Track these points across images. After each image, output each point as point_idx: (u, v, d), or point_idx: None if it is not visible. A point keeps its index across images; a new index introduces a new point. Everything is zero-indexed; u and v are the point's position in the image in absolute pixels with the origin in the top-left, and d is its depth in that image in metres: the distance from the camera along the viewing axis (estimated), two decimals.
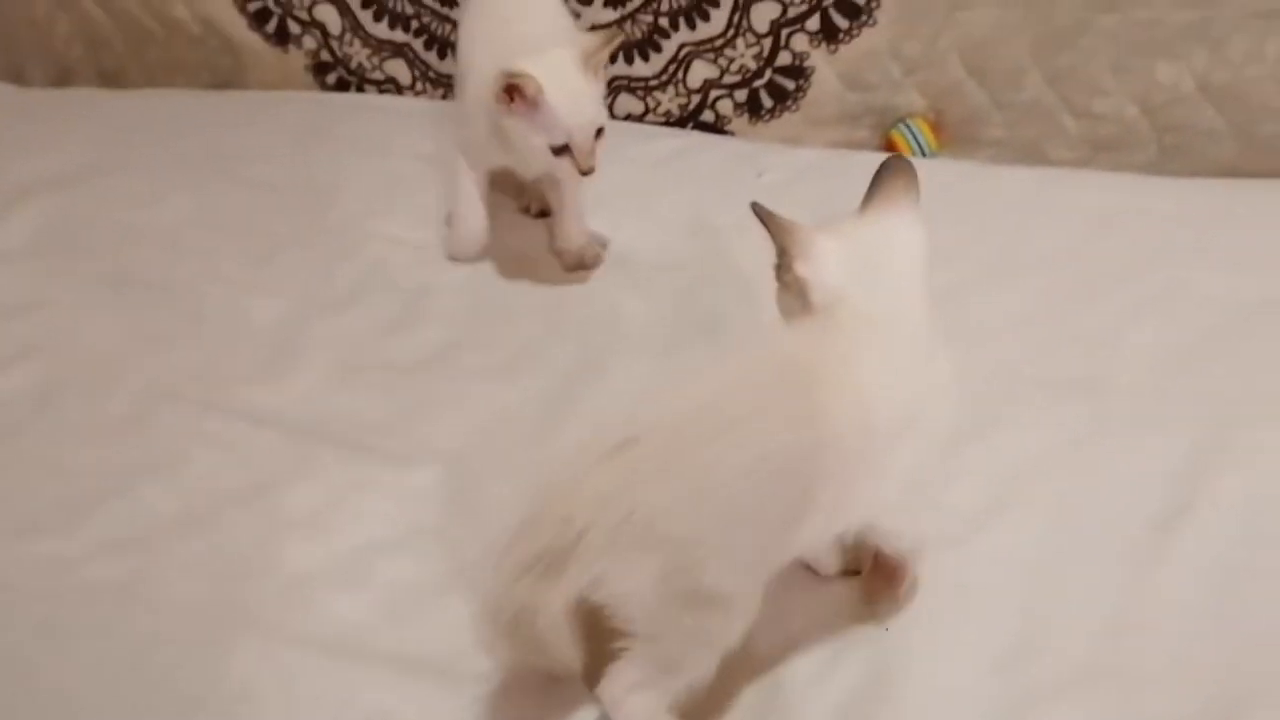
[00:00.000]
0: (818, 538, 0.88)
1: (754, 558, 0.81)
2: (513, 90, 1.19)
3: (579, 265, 1.38)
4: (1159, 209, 1.41)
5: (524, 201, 1.48)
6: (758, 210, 0.87)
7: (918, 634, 0.92)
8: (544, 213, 1.46)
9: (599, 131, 1.23)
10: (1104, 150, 1.55)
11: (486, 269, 1.39)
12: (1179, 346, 1.19)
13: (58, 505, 1.06)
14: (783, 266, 0.87)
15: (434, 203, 1.51)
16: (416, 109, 1.75)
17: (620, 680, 0.81)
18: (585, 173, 1.23)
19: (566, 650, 0.81)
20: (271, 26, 1.81)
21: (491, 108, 1.23)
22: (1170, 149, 1.52)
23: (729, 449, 0.78)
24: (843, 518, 0.86)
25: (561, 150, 1.22)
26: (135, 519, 1.04)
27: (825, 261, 0.86)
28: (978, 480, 1.05)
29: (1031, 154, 1.57)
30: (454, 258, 1.38)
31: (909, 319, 0.88)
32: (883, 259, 0.89)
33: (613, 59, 1.32)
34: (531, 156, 1.25)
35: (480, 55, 1.31)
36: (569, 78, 1.21)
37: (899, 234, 0.91)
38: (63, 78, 1.98)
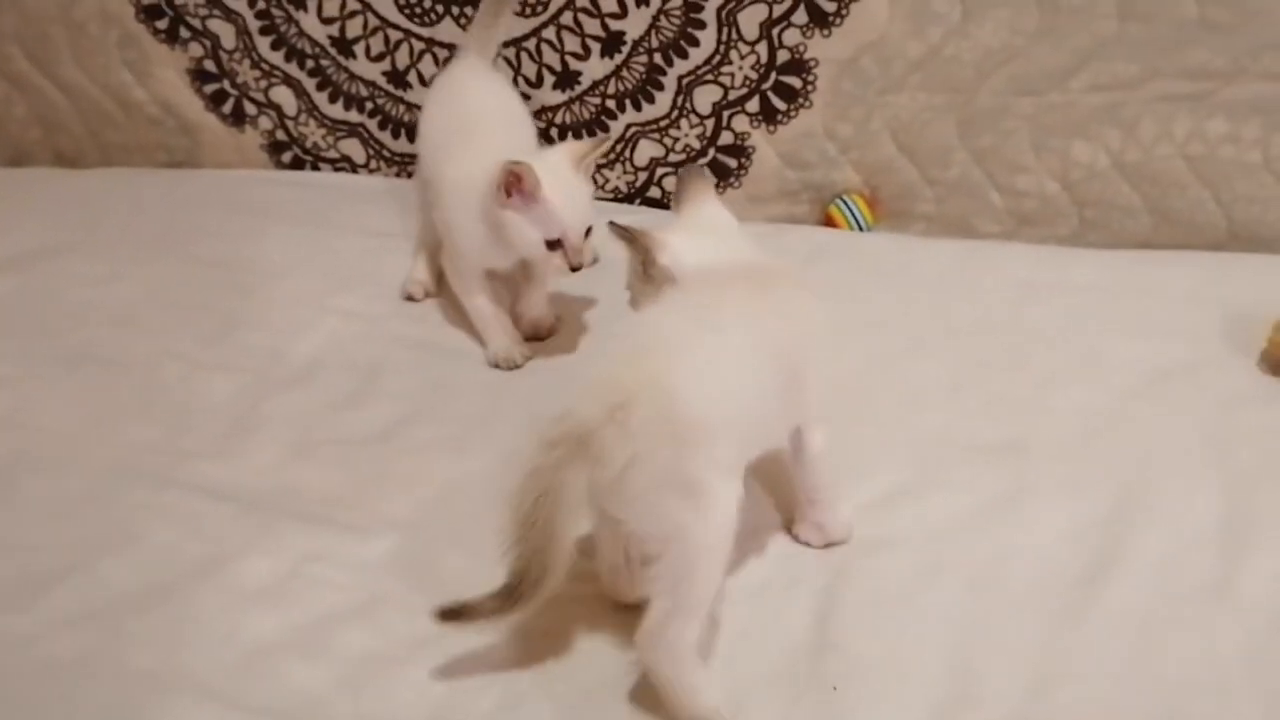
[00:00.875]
0: (779, 430, 1.05)
1: (736, 449, 0.95)
2: (512, 183, 1.24)
3: (534, 334, 1.43)
4: (1078, 280, 1.48)
5: None
6: (616, 229, 1.07)
7: (856, 688, 0.96)
8: None
9: (588, 230, 1.29)
10: (1028, 224, 1.63)
11: (437, 345, 1.43)
12: (1097, 411, 1.25)
13: (16, 582, 1.07)
14: (647, 266, 1.06)
15: (387, 278, 1.56)
16: (370, 187, 1.80)
17: (650, 616, 0.91)
18: (575, 269, 1.29)
19: (568, 544, 0.89)
20: (228, 107, 1.86)
21: (485, 204, 1.28)
22: (1090, 222, 1.61)
23: (732, 334, 0.96)
24: (792, 414, 1.04)
25: (554, 245, 1.27)
26: (93, 594, 1.06)
27: (679, 252, 1.06)
28: (910, 542, 1.09)
29: (961, 227, 1.66)
30: (499, 368, 1.39)
31: (759, 264, 1.08)
32: (714, 238, 1.10)
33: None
34: (524, 249, 1.30)
35: (452, 169, 1.36)
36: (564, 176, 1.27)
37: (713, 219, 1.13)
38: (18, 159, 2.01)
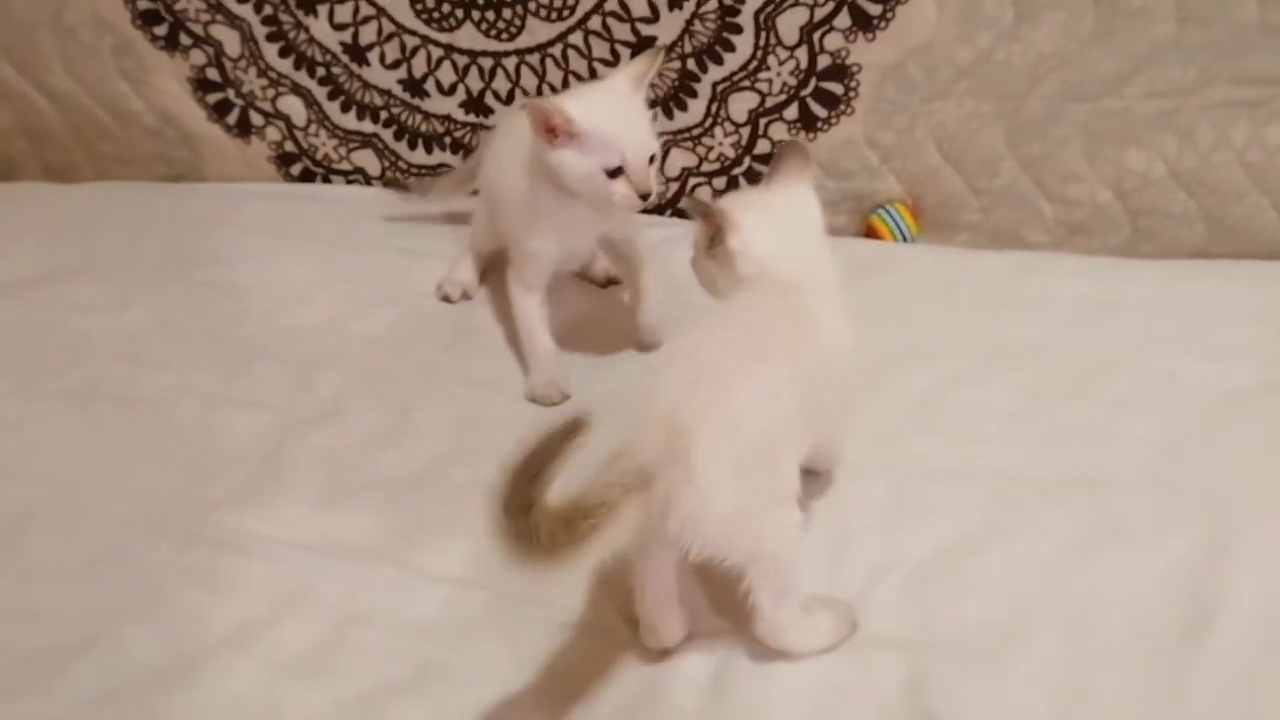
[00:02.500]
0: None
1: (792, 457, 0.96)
2: (542, 122, 1.18)
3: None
4: (1137, 295, 1.41)
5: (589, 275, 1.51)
6: (693, 206, 1.07)
7: None
8: (611, 280, 1.48)
9: (651, 159, 1.22)
10: (1079, 233, 1.57)
11: (471, 375, 1.35)
12: (1174, 440, 1.18)
13: (33, 657, 0.99)
14: (714, 243, 1.02)
15: (412, 298, 1.48)
16: (387, 200, 1.72)
17: (762, 613, 0.95)
18: (644, 196, 1.21)
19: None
20: (233, 118, 1.77)
21: (536, 158, 1.23)
22: (1143, 232, 1.55)
23: (771, 369, 0.94)
24: (818, 429, 1.02)
25: (616, 174, 1.20)
26: (119, 669, 0.97)
27: (751, 237, 1.02)
28: (994, 594, 1.03)
29: (1008, 237, 1.59)
30: (536, 403, 1.32)
31: (819, 279, 1.05)
32: (790, 229, 1.06)
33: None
34: (586, 186, 1.21)
35: (509, 171, 1.32)
36: (616, 101, 1.21)
37: (800, 208, 1.08)
38: (4, 171, 1.91)
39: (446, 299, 1.48)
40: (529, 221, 1.30)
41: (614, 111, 1.20)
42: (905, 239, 1.58)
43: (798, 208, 1.08)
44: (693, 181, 1.64)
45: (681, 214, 1.66)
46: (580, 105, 1.19)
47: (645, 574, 0.96)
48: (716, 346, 0.93)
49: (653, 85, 1.31)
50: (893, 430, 1.23)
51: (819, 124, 1.56)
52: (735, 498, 0.88)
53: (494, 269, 1.52)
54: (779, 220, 1.05)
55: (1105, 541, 1.07)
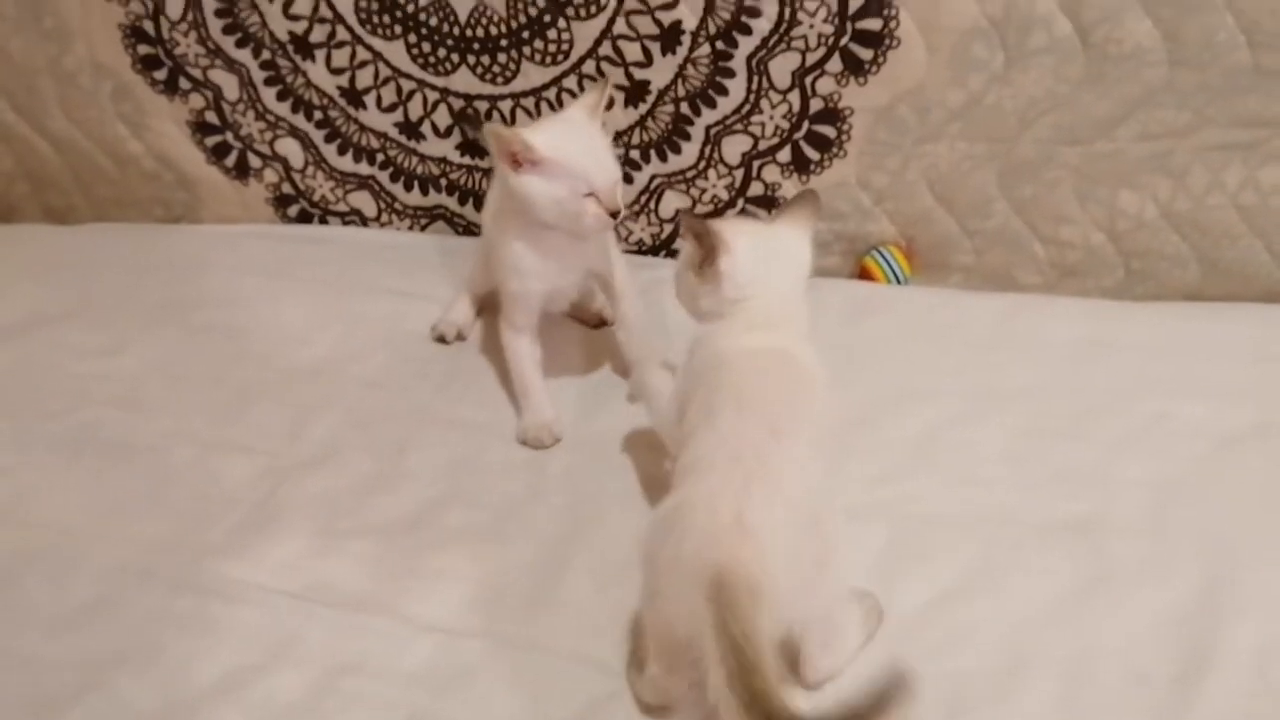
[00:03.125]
0: None
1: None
2: (504, 149, 1.21)
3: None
4: (1132, 337, 1.42)
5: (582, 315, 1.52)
6: (687, 220, 1.05)
7: None
8: (603, 321, 1.48)
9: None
10: (1072, 275, 1.57)
11: (464, 418, 1.35)
12: (1169, 482, 1.19)
13: (27, 705, 0.98)
14: (705, 262, 1.04)
15: (407, 341, 1.48)
16: (383, 241, 1.73)
17: (811, 661, 0.96)
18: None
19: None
20: (231, 160, 1.78)
21: (508, 186, 1.25)
22: (1137, 274, 1.55)
23: (800, 443, 0.96)
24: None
25: (586, 199, 1.23)
26: (111, 718, 0.96)
27: (741, 259, 1.04)
28: (990, 638, 1.02)
29: (1001, 278, 1.59)
30: (527, 445, 1.32)
31: (795, 316, 1.08)
32: (779, 265, 1.08)
33: (609, 106, 1.37)
34: (554, 211, 1.24)
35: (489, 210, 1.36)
36: (576, 129, 1.25)
37: (793, 247, 1.10)
38: (5, 214, 1.92)
39: (441, 339, 1.48)
40: (508, 262, 1.32)
41: (575, 138, 1.24)
42: (899, 280, 1.59)
43: (790, 245, 1.10)
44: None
45: (674, 254, 1.67)
46: (541, 134, 1.23)
47: (666, 646, 0.95)
48: (751, 439, 0.94)
49: (644, 127, 1.34)
50: (888, 472, 1.23)
51: (812, 166, 1.57)
52: (800, 573, 0.89)
53: (489, 309, 1.53)
54: (770, 252, 1.08)
55: (1101, 586, 1.07)
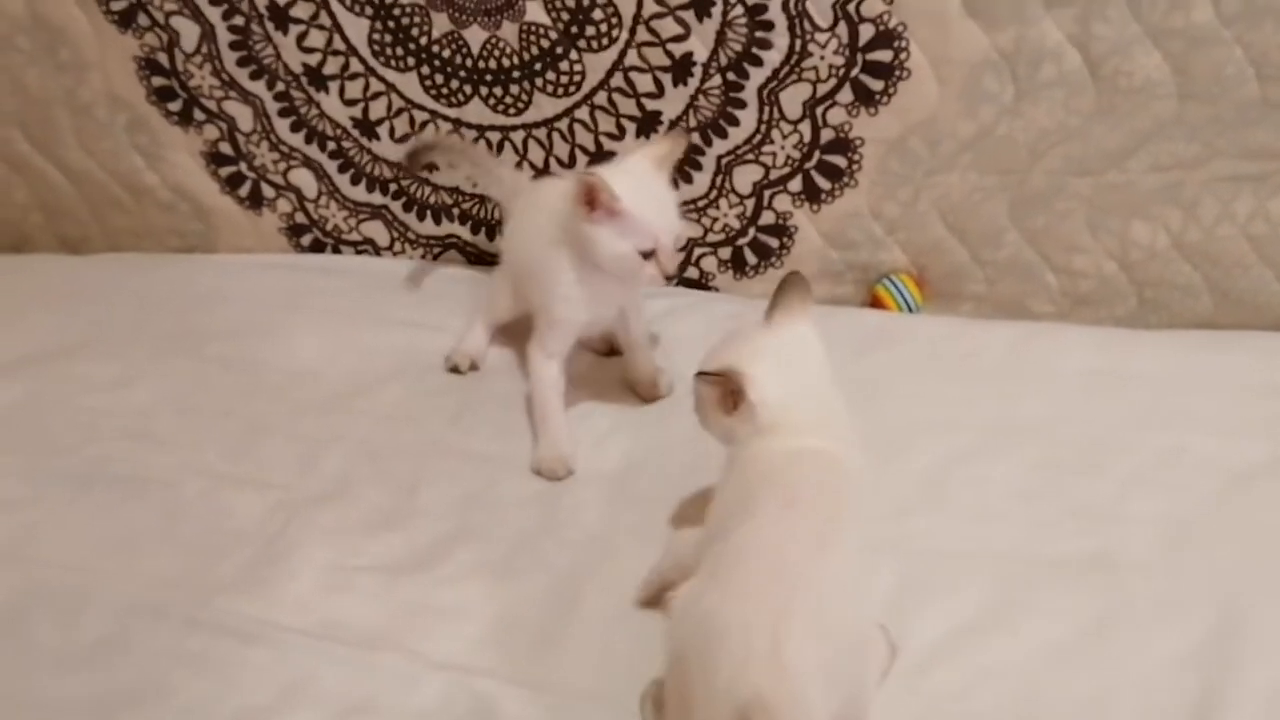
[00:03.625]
0: None
1: None
2: (589, 196, 1.21)
3: (653, 394, 1.41)
4: (1144, 368, 1.41)
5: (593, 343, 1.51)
6: (712, 373, 1.01)
7: None
8: (614, 350, 1.48)
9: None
10: (1084, 304, 1.57)
11: (477, 452, 1.35)
12: (1184, 519, 1.17)
13: None
14: (737, 403, 1.01)
15: (420, 373, 1.49)
16: (396, 271, 1.73)
17: None
18: (669, 278, 1.25)
19: None
20: (245, 190, 1.79)
21: (571, 225, 1.25)
22: (1149, 303, 1.55)
23: (842, 551, 0.92)
24: None
25: (647, 255, 1.23)
26: None
27: (766, 384, 1.01)
28: (1004, 677, 1.01)
29: (1013, 308, 1.59)
30: (540, 476, 1.31)
31: (834, 416, 1.04)
32: (800, 372, 1.05)
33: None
34: (615, 264, 1.25)
35: (542, 245, 1.34)
36: (648, 183, 1.24)
37: (805, 348, 1.07)
38: (20, 244, 1.94)
39: (455, 370, 1.49)
40: (558, 290, 1.32)
41: (650, 195, 1.24)
42: (910, 309, 1.59)
43: (803, 348, 1.07)
44: (698, 251, 1.65)
45: (688, 283, 1.67)
46: (624, 184, 1.22)
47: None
48: (794, 550, 0.89)
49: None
50: (899, 507, 1.22)
51: (823, 195, 1.57)
52: (834, 707, 0.85)
53: (502, 338, 1.53)
54: (788, 363, 1.05)
55: (1114, 626, 1.06)
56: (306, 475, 1.30)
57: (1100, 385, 1.39)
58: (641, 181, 1.24)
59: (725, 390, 1.01)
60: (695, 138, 1.57)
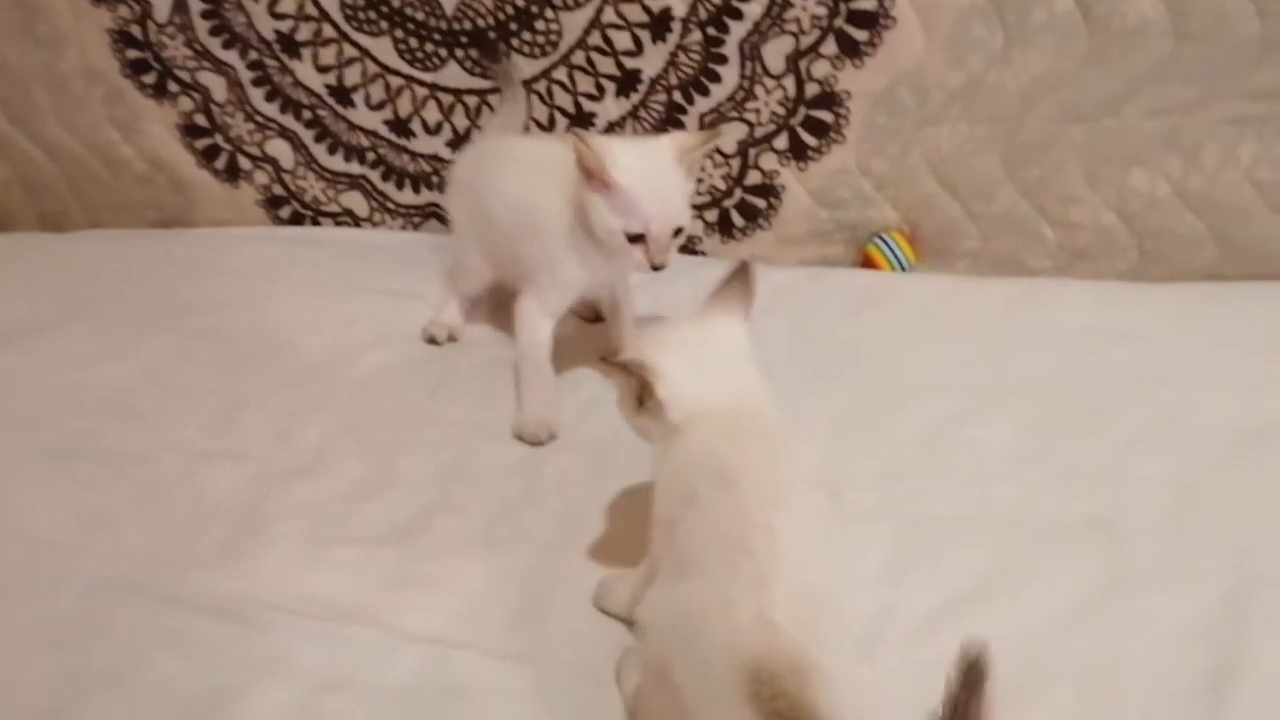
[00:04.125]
0: None
1: None
2: (585, 164, 1.17)
3: None
4: (1146, 323, 1.37)
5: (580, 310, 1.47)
6: (617, 362, 0.94)
7: None
8: (599, 317, 1.44)
9: (678, 230, 1.20)
10: (1083, 258, 1.52)
11: (457, 420, 1.31)
12: (1190, 479, 1.13)
13: None
14: (644, 398, 0.94)
15: (401, 342, 1.46)
16: (376, 242, 1.70)
17: None
18: (657, 268, 1.21)
19: None
20: (221, 163, 1.75)
21: (580, 195, 1.21)
22: (1151, 255, 1.50)
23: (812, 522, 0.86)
24: None
25: (636, 239, 1.19)
26: None
27: (677, 381, 0.93)
28: (1005, 646, 0.96)
29: (1009, 264, 1.55)
30: (523, 440, 1.28)
31: (760, 409, 0.95)
32: (718, 366, 0.96)
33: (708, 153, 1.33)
34: (604, 237, 1.21)
35: (549, 196, 1.28)
36: (658, 168, 1.19)
37: (726, 341, 0.98)
38: (1, 223, 1.91)
39: (433, 341, 1.45)
40: (567, 247, 1.27)
41: (653, 179, 1.19)
42: (903, 268, 1.55)
43: (725, 338, 0.98)
44: None
45: (682, 249, 1.63)
46: (623, 159, 1.18)
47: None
48: (750, 522, 0.82)
49: (636, 117, 1.29)
50: (893, 470, 1.18)
51: (810, 153, 1.53)
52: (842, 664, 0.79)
53: (479, 309, 1.49)
54: (704, 357, 0.96)
55: (1119, 591, 1.02)
56: (284, 448, 1.28)
57: (1100, 342, 1.35)
58: (650, 164, 1.19)
59: (638, 383, 0.93)
60: (677, 96, 1.52)
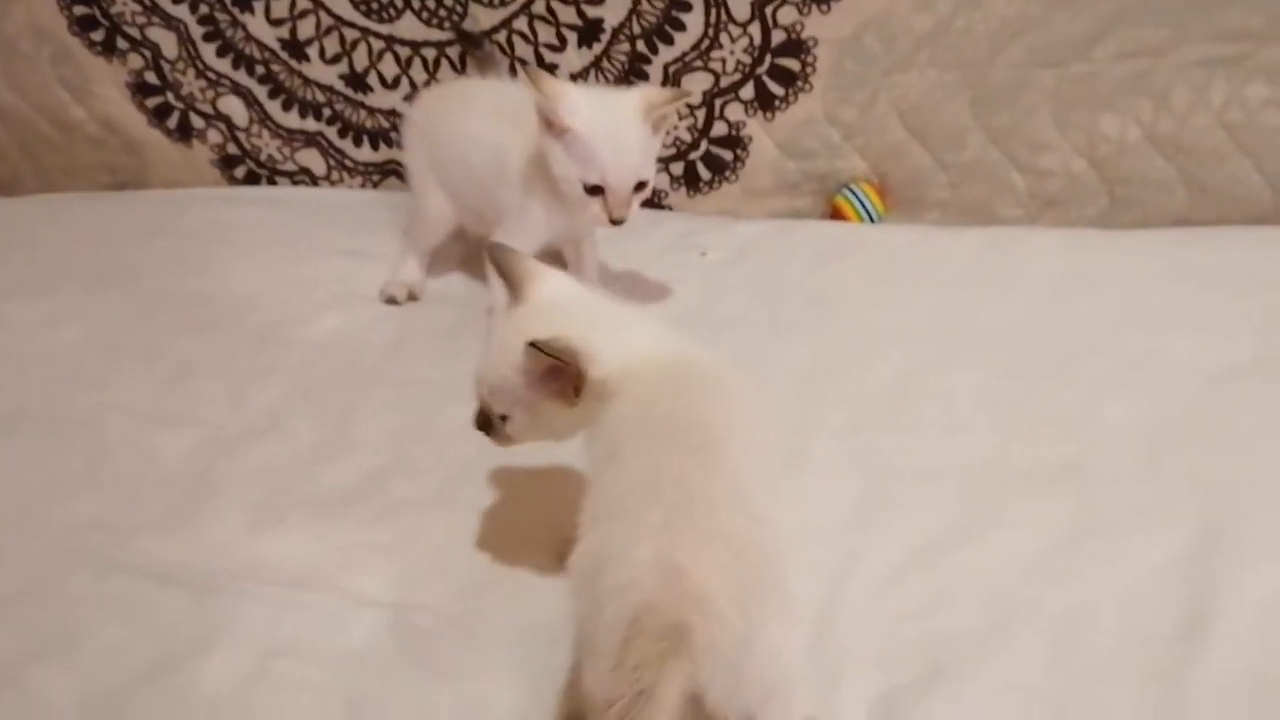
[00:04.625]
0: None
1: None
2: (539, 105, 1.14)
3: None
4: (1118, 268, 1.36)
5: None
6: (541, 348, 0.83)
7: None
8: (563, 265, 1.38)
9: (640, 185, 1.17)
10: (1053, 206, 1.50)
11: (416, 379, 1.28)
12: (1162, 423, 1.11)
13: None
14: (579, 387, 0.85)
15: (359, 302, 1.42)
16: (334, 200, 1.66)
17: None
18: (615, 222, 1.17)
19: None
20: (173, 121, 1.71)
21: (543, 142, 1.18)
22: (1121, 201, 1.48)
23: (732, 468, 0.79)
24: None
25: (595, 191, 1.16)
26: (27, 715, 0.90)
27: (603, 358, 0.84)
28: (972, 596, 0.95)
29: (979, 213, 1.52)
30: None
31: (680, 348, 0.89)
32: (614, 323, 0.89)
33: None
34: (563, 186, 1.18)
35: (519, 140, 1.24)
36: (619, 119, 1.15)
37: (590, 297, 0.93)
38: None
39: (392, 301, 1.42)
40: (534, 193, 1.24)
41: (613, 129, 1.15)
42: (872, 219, 1.52)
43: (598, 303, 0.93)
44: None
45: (647, 203, 1.59)
46: (582, 106, 1.14)
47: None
48: (668, 469, 0.76)
49: (599, 68, 1.24)
50: (860, 421, 1.16)
51: (777, 102, 1.49)
52: (744, 626, 0.72)
53: (441, 264, 1.45)
54: (600, 322, 0.88)
55: (1091, 537, 1.00)
56: (236, 411, 1.24)
57: (1071, 288, 1.33)
58: (611, 114, 1.16)
59: (573, 375, 0.84)
60: (640, 46, 1.48)
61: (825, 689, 0.87)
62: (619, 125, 1.15)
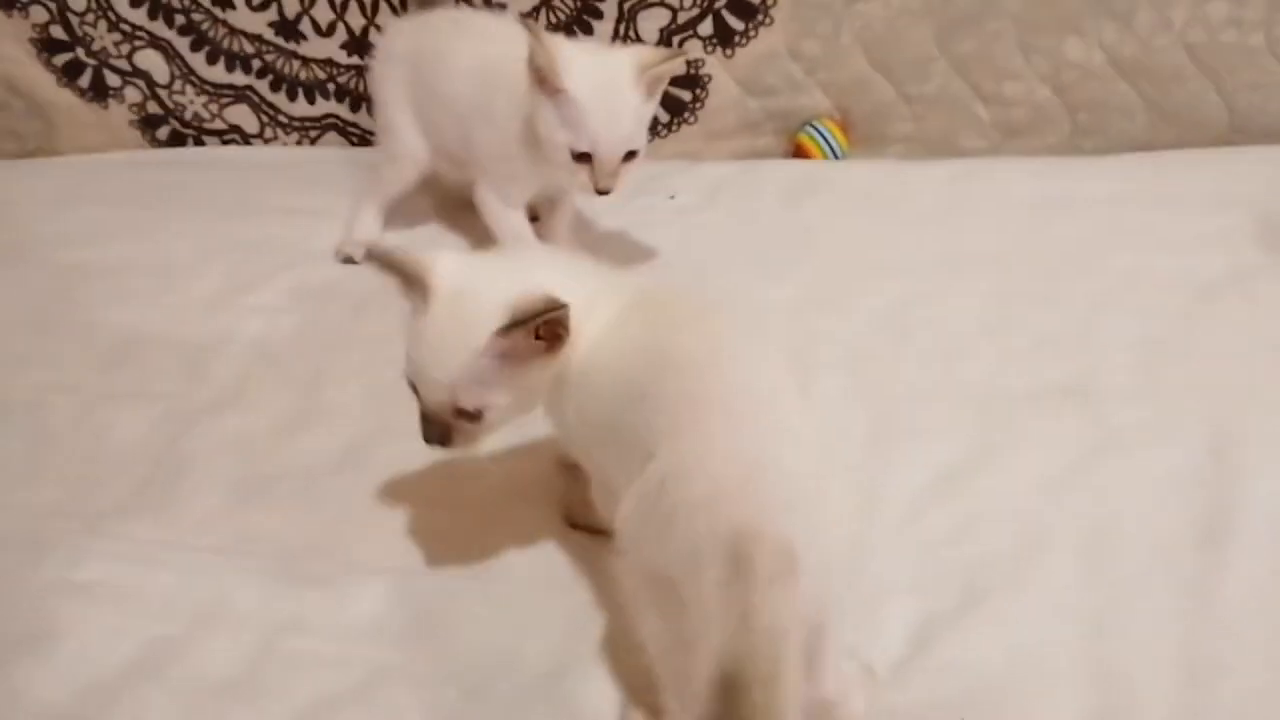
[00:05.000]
0: None
1: None
2: (534, 63, 1.07)
3: None
4: (1090, 192, 1.36)
5: None
6: (519, 318, 0.78)
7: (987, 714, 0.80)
8: (535, 217, 1.33)
9: (630, 155, 1.11)
10: (1016, 135, 1.49)
11: (383, 338, 1.20)
12: (1156, 338, 1.12)
13: None
14: (564, 329, 0.80)
15: (310, 263, 1.33)
16: (269, 159, 1.57)
17: (837, 671, 0.76)
18: (601, 192, 1.11)
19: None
20: (86, 80, 1.58)
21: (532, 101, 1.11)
22: (1083, 128, 1.48)
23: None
24: None
25: (582, 158, 1.09)
26: (15, 716, 0.82)
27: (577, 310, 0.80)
28: (999, 518, 0.94)
29: (943, 146, 1.51)
30: None
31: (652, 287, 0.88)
32: (573, 273, 0.85)
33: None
34: (550, 150, 1.11)
35: (504, 92, 1.17)
36: (613, 83, 1.09)
37: (483, 260, 0.87)
38: None
39: (349, 260, 1.33)
40: (520, 142, 1.17)
41: (604, 92, 1.09)
42: (836, 156, 1.49)
43: (547, 255, 0.95)
44: None
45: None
46: (577, 67, 1.08)
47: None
48: (734, 388, 0.74)
49: (551, 7, 1.17)
50: (859, 353, 1.15)
51: (737, 38, 1.45)
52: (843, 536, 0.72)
53: (398, 216, 1.37)
54: (562, 276, 0.83)
55: (1104, 453, 1.00)
56: (195, 382, 1.15)
57: (1046, 215, 1.33)
58: (605, 77, 1.09)
59: (557, 326, 0.80)
60: None
61: (863, 619, 0.85)
62: (613, 90, 1.10)
